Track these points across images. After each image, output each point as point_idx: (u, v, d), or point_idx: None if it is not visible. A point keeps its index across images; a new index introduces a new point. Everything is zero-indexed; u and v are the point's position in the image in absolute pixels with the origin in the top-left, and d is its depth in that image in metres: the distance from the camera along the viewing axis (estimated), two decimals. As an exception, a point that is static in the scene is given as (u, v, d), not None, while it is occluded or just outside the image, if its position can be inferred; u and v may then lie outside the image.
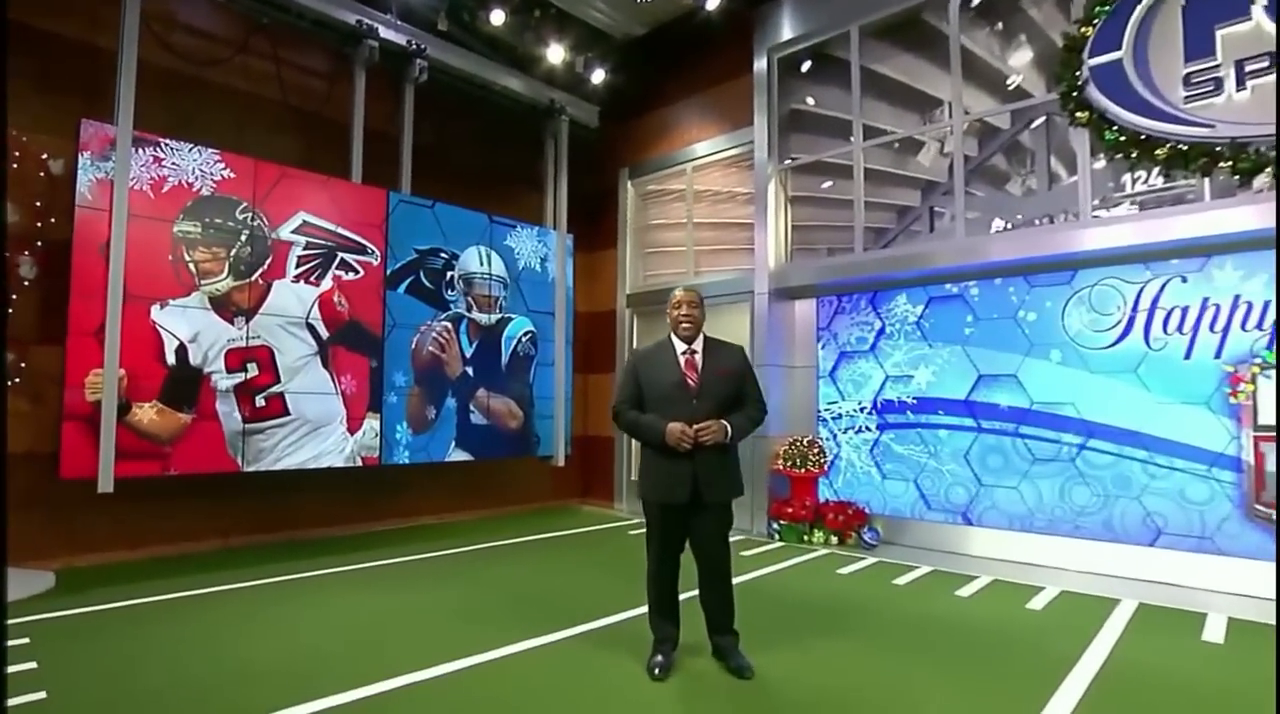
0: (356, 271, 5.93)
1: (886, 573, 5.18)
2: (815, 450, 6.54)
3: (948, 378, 6.04)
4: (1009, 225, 5.73)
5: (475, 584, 4.76)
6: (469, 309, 6.79)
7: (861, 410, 6.59)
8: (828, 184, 6.89)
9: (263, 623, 3.88)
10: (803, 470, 6.48)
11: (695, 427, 3.09)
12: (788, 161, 7.09)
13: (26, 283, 4.75)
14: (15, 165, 4.68)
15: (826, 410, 6.86)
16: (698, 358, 3.27)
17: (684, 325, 3.26)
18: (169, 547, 5.43)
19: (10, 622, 3.68)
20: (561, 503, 8.43)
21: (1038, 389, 5.57)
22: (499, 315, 7.05)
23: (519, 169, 7.99)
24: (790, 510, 6.33)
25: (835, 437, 6.77)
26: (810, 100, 7.08)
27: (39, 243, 4.82)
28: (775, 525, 6.42)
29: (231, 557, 5.42)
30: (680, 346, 3.29)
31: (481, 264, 6.92)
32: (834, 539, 6.13)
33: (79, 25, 5.13)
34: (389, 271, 6.15)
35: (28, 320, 4.83)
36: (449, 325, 6.61)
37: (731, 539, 3.39)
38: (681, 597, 3.32)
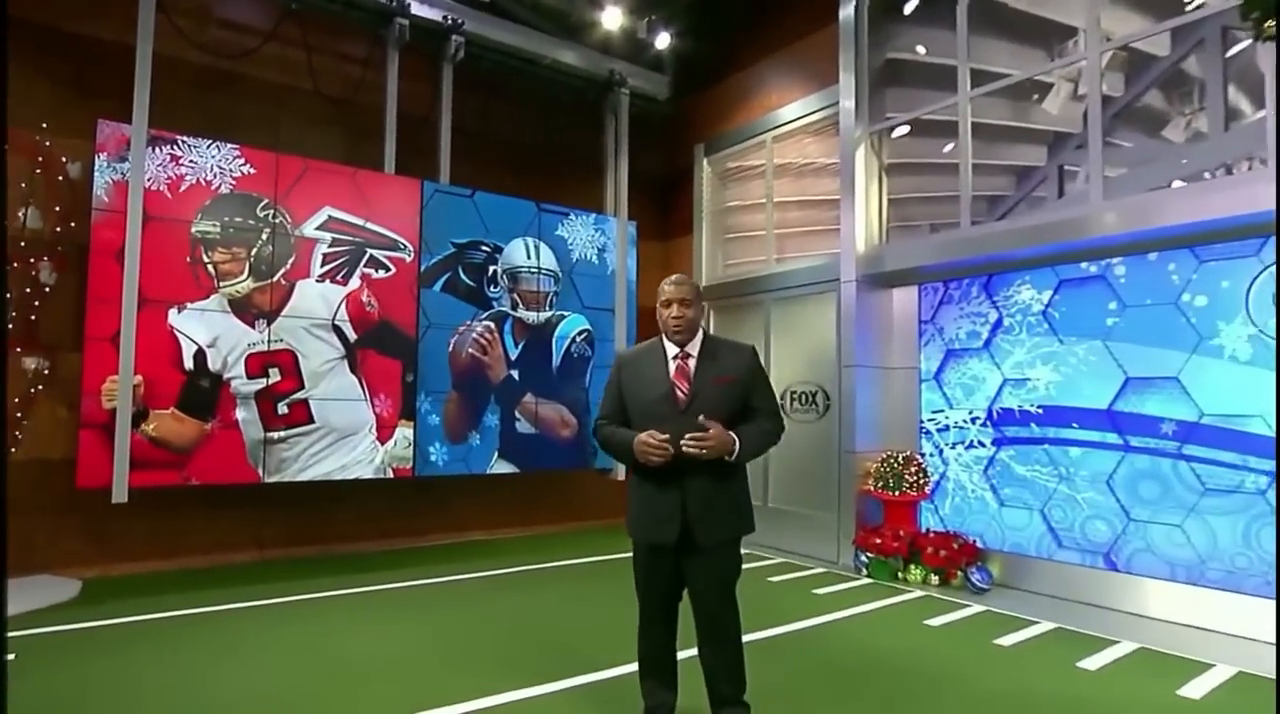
0: (387, 269, 5.86)
1: (990, 627, 4.34)
2: (913, 469, 5.71)
3: (1084, 381, 5.03)
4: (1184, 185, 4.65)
5: (492, 614, 4.50)
6: (514, 307, 6.56)
7: (973, 421, 5.68)
8: (949, 147, 5.95)
9: (261, 649, 3.80)
10: (897, 493, 5.69)
11: (685, 436, 2.57)
12: (881, 123, 6.28)
13: (48, 289, 5.03)
14: (39, 170, 4.97)
15: (930, 421, 5.99)
16: (691, 363, 2.75)
17: (674, 329, 2.77)
18: (203, 557, 5.60)
19: (10, 635, 3.82)
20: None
21: (1210, 397, 4.47)
22: (549, 313, 6.78)
23: (575, 151, 7.68)
24: (879, 541, 5.55)
25: (941, 452, 5.89)
26: (921, 49, 6.21)
27: (59, 248, 5.07)
28: (863, 558, 5.67)
29: (265, 570, 5.49)
30: (672, 350, 2.78)
31: (529, 257, 6.68)
32: (934, 578, 5.31)
33: (114, 28, 5.37)
34: (423, 268, 6.03)
35: (60, 326, 5.08)
36: (491, 325, 6.42)
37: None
38: (682, 655, 2.83)
